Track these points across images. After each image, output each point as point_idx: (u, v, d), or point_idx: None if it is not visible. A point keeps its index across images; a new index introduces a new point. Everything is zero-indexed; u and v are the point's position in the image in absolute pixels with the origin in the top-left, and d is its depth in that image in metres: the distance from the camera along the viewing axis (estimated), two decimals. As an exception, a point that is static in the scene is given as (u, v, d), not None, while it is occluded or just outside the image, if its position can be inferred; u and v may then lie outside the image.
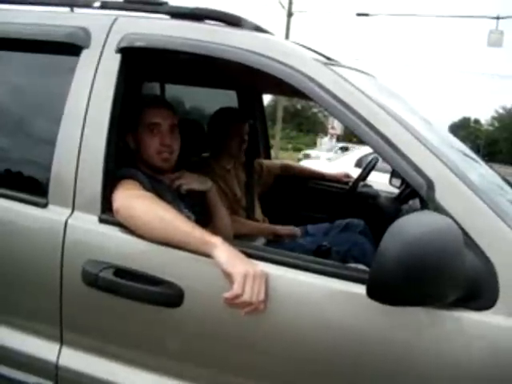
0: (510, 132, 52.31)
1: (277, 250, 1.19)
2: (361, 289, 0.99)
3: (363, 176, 2.53)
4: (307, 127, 30.27)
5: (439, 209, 1.03)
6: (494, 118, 61.74)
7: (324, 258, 1.78)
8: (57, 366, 1.20)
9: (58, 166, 1.22)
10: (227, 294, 1.00)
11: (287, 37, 15.28)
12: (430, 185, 1.04)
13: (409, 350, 1.02)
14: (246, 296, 1.00)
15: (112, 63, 1.22)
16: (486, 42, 14.78)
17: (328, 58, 1.24)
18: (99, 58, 1.23)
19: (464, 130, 64.81)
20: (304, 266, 1.08)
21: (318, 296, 1.07)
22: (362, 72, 1.50)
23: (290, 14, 16.40)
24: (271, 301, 1.05)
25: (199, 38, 1.19)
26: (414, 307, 0.98)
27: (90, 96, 1.22)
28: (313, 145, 22.03)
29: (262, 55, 1.15)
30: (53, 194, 1.22)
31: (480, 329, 0.98)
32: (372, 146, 1.11)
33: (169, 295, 1.10)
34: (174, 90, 2.40)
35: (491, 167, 1.74)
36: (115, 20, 1.26)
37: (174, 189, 1.42)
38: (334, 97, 1.11)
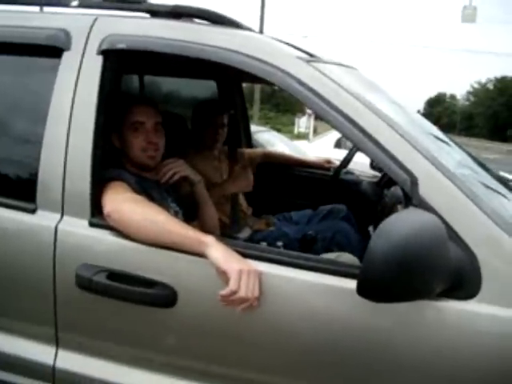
0: (485, 107, 52.97)
1: (267, 247, 1.22)
2: (349, 283, 1.03)
3: (345, 163, 2.58)
4: (285, 107, 29.82)
5: (423, 204, 1.06)
6: (469, 93, 62.50)
7: (310, 246, 1.84)
8: (54, 369, 1.22)
9: (45, 170, 1.22)
10: (223, 292, 1.03)
11: (262, 19, 15.00)
12: (414, 180, 1.08)
13: (395, 340, 1.07)
14: (241, 292, 1.03)
15: (94, 65, 1.21)
16: (460, 18, 14.91)
17: (310, 55, 1.25)
18: (81, 61, 1.22)
19: (440, 105, 65.34)
20: (294, 263, 1.11)
21: (308, 292, 1.10)
22: (345, 66, 1.52)
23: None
24: (264, 297, 1.08)
25: (180, 38, 1.19)
26: None
27: (73, 99, 1.21)
28: (291, 125, 21.59)
29: (245, 55, 1.15)
30: (41, 199, 1.22)
31: (464, 317, 1.03)
32: (355, 143, 1.13)
33: (163, 296, 1.12)
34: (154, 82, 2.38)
35: (463, 149, 1.79)
36: (95, 20, 1.24)
37: (162, 182, 1.43)
38: (318, 96, 1.13)
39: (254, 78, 1.21)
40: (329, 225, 2.02)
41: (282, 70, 1.14)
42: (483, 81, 58.73)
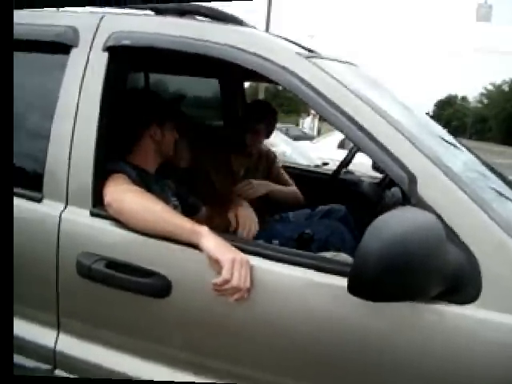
0: (499, 109, 49.61)
1: (263, 243, 1.18)
2: (343, 281, 0.95)
3: (345, 163, 2.45)
4: (289, 107, 28.36)
5: (421, 203, 0.98)
6: (482, 95, 58.00)
7: (306, 245, 1.74)
8: (55, 352, 1.21)
9: (52, 161, 1.19)
10: (216, 280, 0.99)
11: (268, 18, 14.49)
12: (412, 178, 1.00)
13: (390, 342, 1.00)
14: (234, 281, 0.99)
15: (100, 61, 1.18)
16: (475, 17, 14.35)
17: (310, 51, 1.20)
18: (88, 57, 1.19)
19: (450, 107, 60.91)
20: (288, 260, 1.06)
21: (301, 288, 1.05)
22: (345, 62, 1.44)
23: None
24: (257, 292, 1.04)
25: (182, 35, 1.14)
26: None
27: (80, 93, 1.18)
28: (295, 125, 20.19)
29: (245, 51, 1.10)
30: (47, 188, 1.20)
31: (462, 322, 0.95)
32: (352, 139, 1.07)
33: (157, 286, 1.09)
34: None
35: (473, 152, 1.70)
36: (102, 18, 1.21)
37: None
38: (316, 91, 1.06)
39: (254, 76, 1.17)
40: (325, 225, 1.90)
41: (281, 66, 1.08)
42: (498, 82, 54.63)
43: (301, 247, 1.67)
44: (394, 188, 1.86)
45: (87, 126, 1.17)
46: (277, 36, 1.24)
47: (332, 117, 1.06)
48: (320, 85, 1.07)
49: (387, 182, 2.13)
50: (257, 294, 1.05)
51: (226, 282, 1.00)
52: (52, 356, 1.20)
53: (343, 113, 1.05)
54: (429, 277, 0.91)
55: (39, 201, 1.21)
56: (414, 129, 1.17)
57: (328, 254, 1.36)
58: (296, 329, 1.06)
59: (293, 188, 2.14)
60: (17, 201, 1.22)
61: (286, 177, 2.20)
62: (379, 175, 2.32)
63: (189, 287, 1.09)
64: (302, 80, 1.08)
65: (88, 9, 1.26)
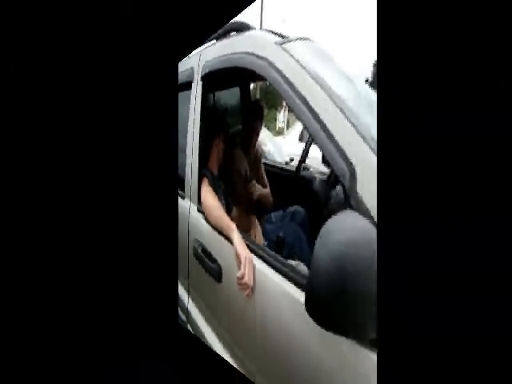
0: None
1: (260, 245, 1.13)
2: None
3: (303, 157, 2.10)
4: (271, 102, 19.96)
5: (360, 205, 0.74)
6: None
7: (280, 249, 1.62)
8: (187, 310, 1.61)
9: (186, 170, 1.61)
10: (237, 274, 1.10)
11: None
12: (353, 172, 0.75)
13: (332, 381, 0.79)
14: (245, 277, 1.07)
15: (199, 89, 1.48)
16: None
17: (282, 37, 1.03)
18: (196, 87, 1.52)
19: None
20: (271, 263, 1.02)
21: (278, 295, 0.98)
22: (302, 39, 1.08)
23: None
24: (256, 292, 1.06)
25: (223, 53, 1.27)
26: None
27: (193, 116, 1.54)
28: (274, 121, 18.19)
29: (250, 54, 1.11)
30: (185, 189, 1.61)
31: None
32: (305, 127, 0.87)
33: (217, 271, 1.28)
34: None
35: None
36: (200, 55, 1.51)
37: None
38: (285, 79, 0.95)
39: (255, 77, 1.14)
40: (292, 229, 1.74)
41: (269, 61, 1.03)
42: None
43: (277, 251, 1.42)
44: (339, 186, 1.37)
45: (195, 141, 1.51)
46: (265, 30, 1.13)
47: (295, 106, 0.92)
48: (287, 71, 0.96)
49: (333, 179, 1.71)
50: (256, 294, 1.06)
51: (243, 276, 1.08)
52: (186, 311, 1.61)
53: (300, 97, 0.90)
54: (359, 311, 0.69)
55: (183, 198, 1.65)
56: (357, 107, 0.80)
57: (293, 263, 1.08)
58: (274, 338, 1.00)
59: (268, 190, 1.95)
60: (179, 200, 1.73)
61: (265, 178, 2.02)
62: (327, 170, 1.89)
63: (229, 278, 1.21)
64: (278, 70, 0.99)
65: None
